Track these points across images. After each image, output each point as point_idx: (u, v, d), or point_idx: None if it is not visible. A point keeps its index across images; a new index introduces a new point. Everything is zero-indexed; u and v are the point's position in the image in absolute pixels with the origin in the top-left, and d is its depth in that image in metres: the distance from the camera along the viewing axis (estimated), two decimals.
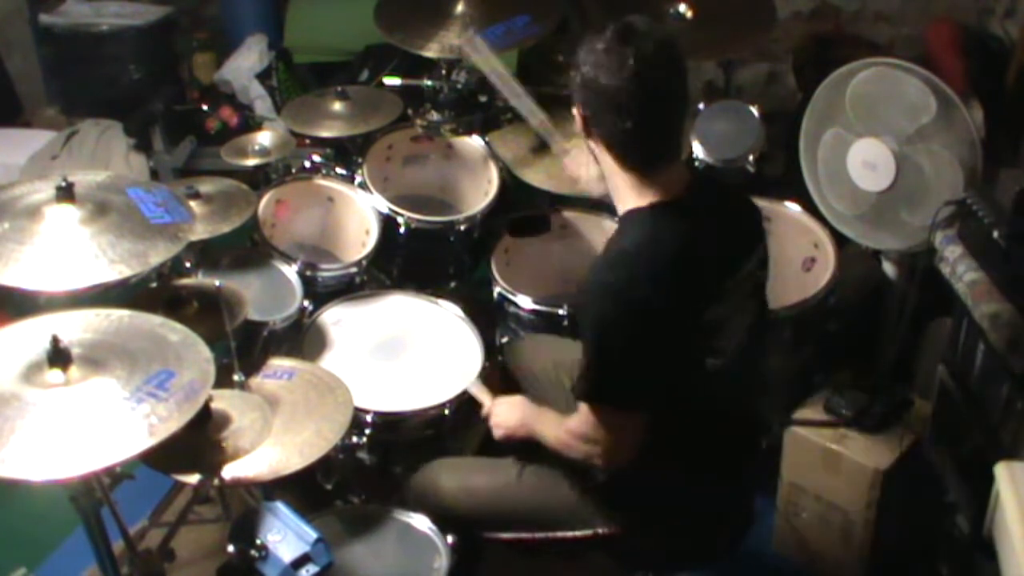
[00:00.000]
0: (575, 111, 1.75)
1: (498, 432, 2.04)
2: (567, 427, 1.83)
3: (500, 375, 2.43)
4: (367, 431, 2.24)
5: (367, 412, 2.22)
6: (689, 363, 1.76)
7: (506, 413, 2.04)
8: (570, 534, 1.95)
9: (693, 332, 1.74)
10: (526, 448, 1.99)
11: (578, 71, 1.70)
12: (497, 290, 2.61)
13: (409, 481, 2.12)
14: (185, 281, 2.30)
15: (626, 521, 1.91)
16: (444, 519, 1.99)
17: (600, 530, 1.92)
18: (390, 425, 2.27)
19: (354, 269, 2.68)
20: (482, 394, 2.18)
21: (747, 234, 1.85)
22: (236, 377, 1.98)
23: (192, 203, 2.29)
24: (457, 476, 2.06)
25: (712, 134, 2.89)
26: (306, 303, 2.49)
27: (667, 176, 1.74)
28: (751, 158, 2.84)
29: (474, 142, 2.99)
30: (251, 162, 2.75)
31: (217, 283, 2.09)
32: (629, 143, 1.71)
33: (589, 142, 1.78)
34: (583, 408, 1.77)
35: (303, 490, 2.23)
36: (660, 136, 1.72)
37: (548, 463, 1.97)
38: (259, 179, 2.83)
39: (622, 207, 1.79)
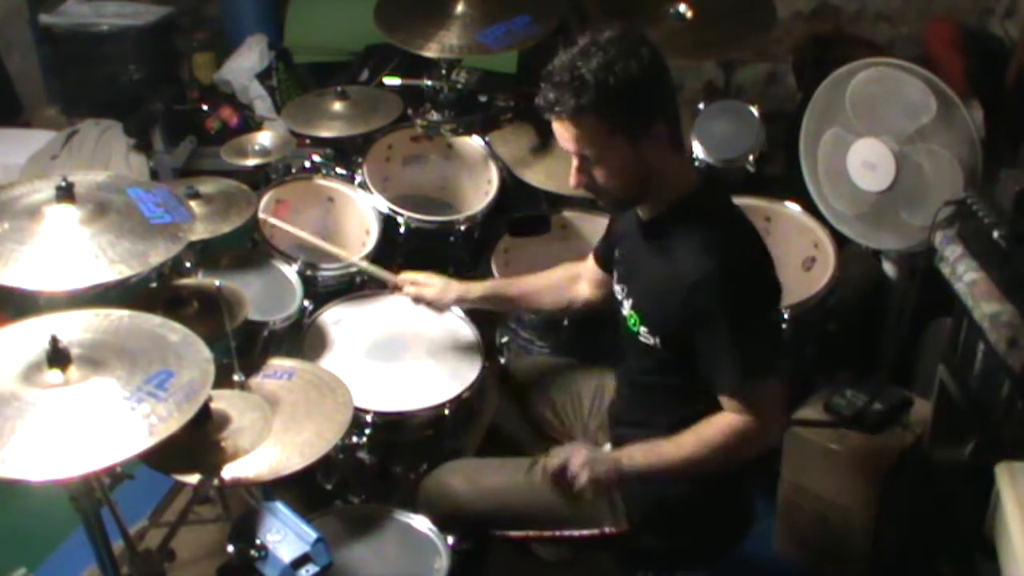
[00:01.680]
0: (598, 132, 1.72)
1: (590, 488, 1.81)
2: (723, 431, 1.76)
3: (499, 377, 2.43)
4: (367, 431, 2.24)
5: (367, 412, 2.22)
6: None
7: (590, 461, 1.81)
8: (577, 532, 1.95)
9: (777, 295, 1.87)
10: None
11: (604, 79, 1.67)
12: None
13: (419, 485, 2.11)
14: (185, 281, 2.30)
15: (632, 520, 1.91)
16: (457, 521, 1.99)
17: (607, 529, 1.92)
18: (390, 425, 2.26)
19: (354, 269, 2.68)
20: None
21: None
22: (236, 377, 1.99)
23: (192, 203, 2.29)
24: (469, 477, 2.05)
25: (712, 134, 2.89)
26: (306, 303, 2.49)
27: (691, 163, 1.87)
28: (751, 158, 2.84)
29: (474, 142, 2.99)
30: (251, 162, 2.75)
31: (217, 283, 2.09)
32: (674, 122, 1.78)
33: (622, 158, 1.75)
34: (738, 401, 1.75)
35: (303, 490, 2.24)
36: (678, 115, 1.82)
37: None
38: (259, 179, 2.83)
39: (662, 203, 1.82)
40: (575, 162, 1.79)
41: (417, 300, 2.35)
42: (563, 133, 1.75)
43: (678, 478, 1.83)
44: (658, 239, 1.83)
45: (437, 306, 2.36)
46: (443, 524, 1.98)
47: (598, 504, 1.91)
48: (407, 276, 2.36)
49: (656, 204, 1.83)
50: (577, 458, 1.80)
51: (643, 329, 1.86)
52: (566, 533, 1.96)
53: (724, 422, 1.77)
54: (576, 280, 2.22)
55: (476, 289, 2.30)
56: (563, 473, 1.80)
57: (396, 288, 2.39)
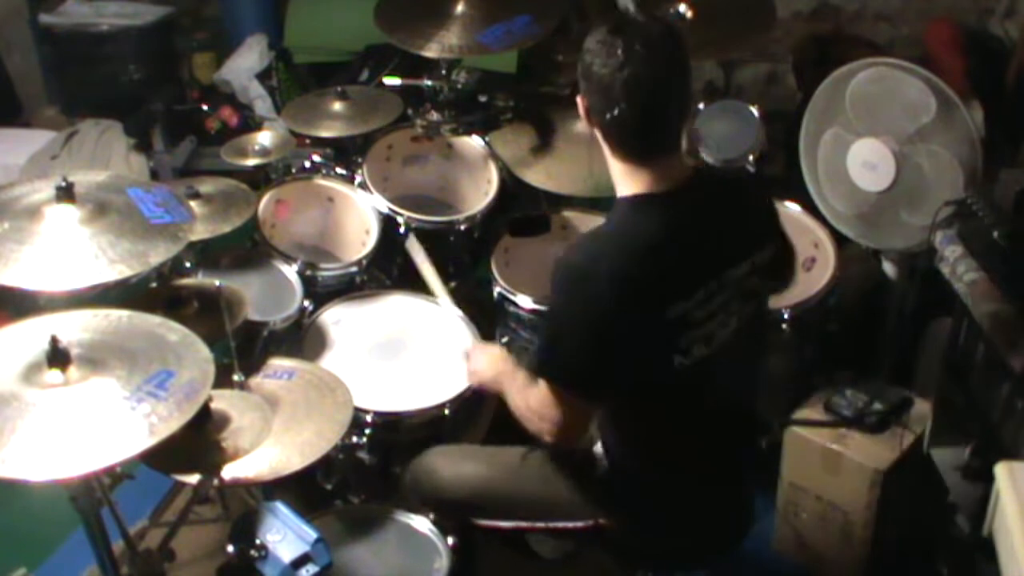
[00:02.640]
0: (579, 100, 1.76)
1: (471, 379, 2.08)
2: (528, 397, 1.82)
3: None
4: (367, 431, 2.24)
5: (367, 412, 2.22)
6: (653, 359, 1.74)
7: (484, 364, 2.03)
8: (569, 524, 1.94)
9: (654, 327, 1.72)
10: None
11: (581, 61, 1.72)
12: (497, 290, 2.61)
13: (407, 467, 2.10)
14: (185, 281, 2.30)
15: (625, 514, 1.91)
16: (440, 505, 1.99)
17: (598, 521, 1.92)
18: (390, 425, 2.27)
19: (354, 269, 2.68)
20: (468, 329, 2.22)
21: (746, 238, 1.83)
22: (236, 377, 1.99)
23: (192, 203, 2.29)
24: (455, 461, 2.05)
25: (712, 134, 2.89)
26: (306, 303, 2.49)
27: (661, 168, 1.74)
28: (751, 158, 2.84)
29: (474, 142, 2.99)
30: (251, 162, 2.75)
31: (217, 283, 2.09)
32: (619, 131, 1.72)
33: (593, 132, 1.78)
34: (541, 383, 1.78)
35: (303, 490, 2.23)
36: (651, 127, 1.72)
37: (549, 451, 1.97)
38: (259, 179, 2.83)
39: (620, 192, 1.80)
40: None
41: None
42: None
43: (651, 458, 1.87)
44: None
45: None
46: (427, 506, 2.00)
47: (588, 491, 1.92)
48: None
49: (618, 191, 1.81)
50: (474, 363, 2.05)
51: None
52: (556, 525, 1.95)
53: (532, 394, 1.80)
54: None
55: None
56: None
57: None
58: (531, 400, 1.80)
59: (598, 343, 1.70)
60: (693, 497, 1.90)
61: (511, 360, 2.01)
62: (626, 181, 1.76)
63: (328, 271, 2.64)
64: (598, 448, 1.94)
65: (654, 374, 1.76)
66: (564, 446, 1.85)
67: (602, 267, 1.68)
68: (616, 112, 1.68)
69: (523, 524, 2.00)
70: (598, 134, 1.77)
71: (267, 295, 2.48)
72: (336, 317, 2.53)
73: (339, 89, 2.99)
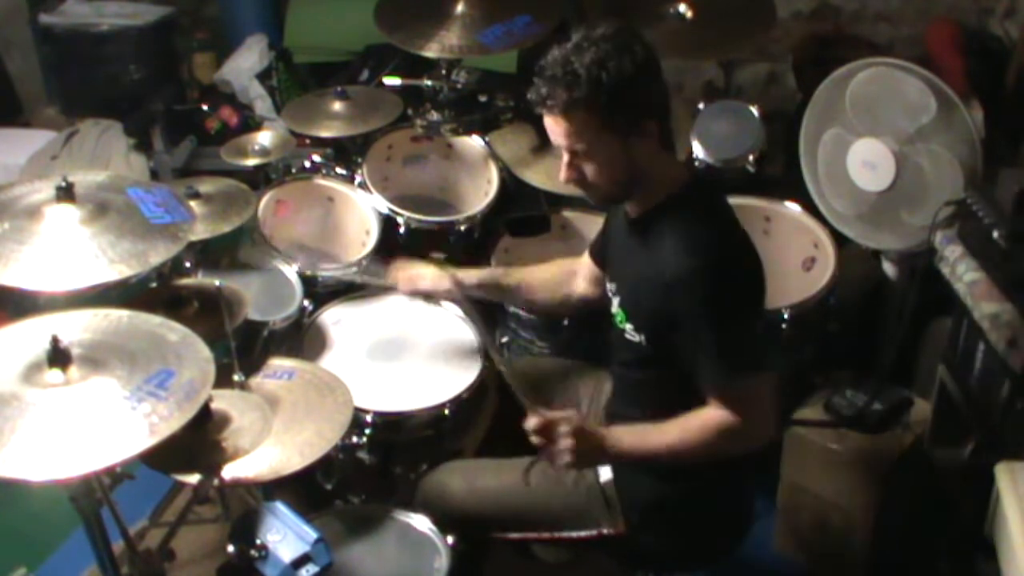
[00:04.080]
0: (587, 127, 1.72)
1: (569, 459, 1.78)
2: (706, 424, 1.75)
3: (499, 377, 2.42)
4: (367, 431, 2.24)
5: (367, 412, 2.22)
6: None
7: (584, 434, 1.79)
8: (575, 534, 1.95)
9: (763, 294, 1.86)
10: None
11: (596, 75, 1.67)
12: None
13: (418, 485, 2.11)
14: (185, 281, 2.30)
15: (629, 521, 1.91)
16: (453, 521, 1.99)
17: (605, 530, 1.92)
18: (390, 425, 2.26)
19: (354, 269, 2.68)
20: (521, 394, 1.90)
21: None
22: (236, 377, 1.99)
23: (192, 203, 2.29)
24: (465, 479, 2.06)
25: (712, 134, 2.89)
26: (306, 303, 2.49)
27: (679, 163, 1.90)
28: (751, 158, 2.84)
29: (474, 142, 2.99)
30: (251, 162, 2.75)
31: (217, 283, 2.09)
32: (664, 117, 1.79)
33: (611, 154, 1.75)
34: (722, 396, 1.74)
35: (303, 490, 2.23)
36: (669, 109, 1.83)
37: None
38: (259, 179, 2.83)
39: (649, 201, 1.82)
40: (565, 157, 1.80)
41: (413, 294, 2.32)
42: (554, 128, 1.76)
43: (661, 465, 1.83)
44: (643, 236, 1.83)
45: (434, 296, 2.33)
46: (440, 525, 1.98)
47: (593, 501, 1.92)
48: (399, 271, 2.33)
49: (644, 201, 1.83)
50: (567, 427, 1.77)
51: (628, 326, 1.86)
52: (564, 535, 1.96)
53: (708, 416, 1.76)
54: (573, 276, 2.22)
55: (471, 276, 2.27)
56: (551, 440, 1.78)
57: (392, 287, 2.37)
58: (716, 421, 1.74)
59: (758, 324, 1.84)
60: (697, 499, 1.90)
61: (586, 421, 1.88)
62: (670, 175, 1.83)
63: (328, 271, 2.64)
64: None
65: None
66: (768, 439, 1.81)
67: (736, 256, 1.79)
68: (659, 104, 1.77)
69: (531, 535, 2.00)
70: (633, 142, 1.74)
71: (267, 295, 2.48)
72: (336, 317, 2.53)
73: (339, 89, 2.99)
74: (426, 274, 2.28)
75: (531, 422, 1.80)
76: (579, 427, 1.78)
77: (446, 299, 2.37)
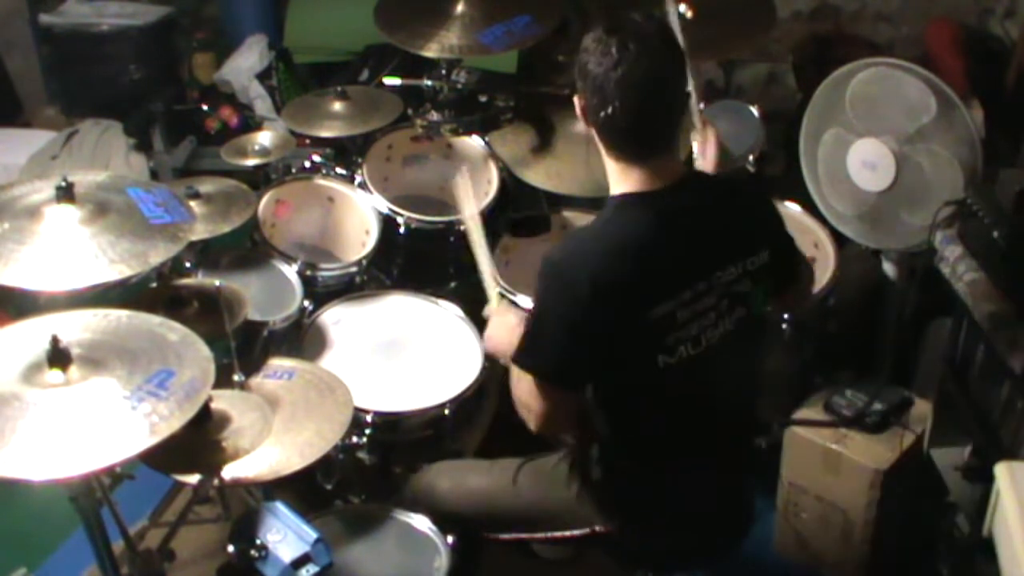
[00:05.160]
0: (576, 99, 1.77)
1: (487, 344, 2.09)
2: (517, 385, 1.82)
3: (499, 376, 2.42)
4: (367, 431, 2.24)
5: (367, 412, 2.22)
6: (635, 357, 1.75)
7: (500, 334, 2.00)
8: (568, 533, 1.95)
9: (635, 326, 1.72)
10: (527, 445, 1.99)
11: (578, 60, 1.73)
12: (497, 290, 2.60)
13: (408, 484, 2.11)
14: (185, 281, 2.30)
15: (622, 519, 1.91)
16: (442, 521, 1.99)
17: (597, 528, 1.92)
18: (390, 425, 2.27)
19: (354, 269, 2.68)
20: (491, 285, 2.19)
21: (739, 242, 1.81)
22: (236, 377, 1.99)
23: (192, 203, 2.29)
24: (454, 478, 2.06)
25: None
26: (306, 303, 2.49)
27: (653, 168, 1.75)
28: (751, 158, 2.83)
29: (474, 142, 2.99)
30: (251, 162, 2.74)
31: (217, 283, 2.09)
32: (612, 130, 1.73)
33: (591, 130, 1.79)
34: (522, 372, 1.79)
35: (303, 490, 2.24)
36: (644, 126, 1.72)
37: (545, 460, 1.98)
38: (259, 179, 2.83)
39: (614, 189, 1.81)
40: None
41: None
42: None
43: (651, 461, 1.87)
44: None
45: None
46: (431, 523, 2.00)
47: (584, 499, 1.92)
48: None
49: (611, 188, 1.83)
50: (490, 328, 2.04)
51: None
52: (556, 534, 1.96)
53: (521, 382, 1.81)
54: None
55: None
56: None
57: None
58: (522, 387, 1.81)
59: (575, 339, 1.71)
60: (688, 497, 1.90)
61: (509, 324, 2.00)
62: (619, 180, 1.78)
63: (328, 271, 2.64)
64: (594, 452, 1.94)
65: (637, 373, 1.77)
66: (548, 437, 1.87)
67: (583, 266, 1.69)
68: (610, 111, 1.69)
69: (523, 535, 2.01)
70: (593, 133, 1.77)
71: (267, 295, 2.48)
72: (336, 317, 2.53)
73: (339, 89, 2.99)
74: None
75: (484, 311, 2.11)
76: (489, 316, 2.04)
77: None
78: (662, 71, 1.70)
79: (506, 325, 1.99)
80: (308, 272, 2.58)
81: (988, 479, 1.79)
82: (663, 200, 1.74)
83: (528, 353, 1.78)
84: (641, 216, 1.74)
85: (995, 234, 2.05)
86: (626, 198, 1.76)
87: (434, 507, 2.02)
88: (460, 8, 2.86)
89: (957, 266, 2.11)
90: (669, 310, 1.72)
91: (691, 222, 1.76)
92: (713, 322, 1.77)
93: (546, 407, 1.77)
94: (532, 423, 1.81)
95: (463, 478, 2.06)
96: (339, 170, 2.92)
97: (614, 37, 1.67)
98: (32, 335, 1.56)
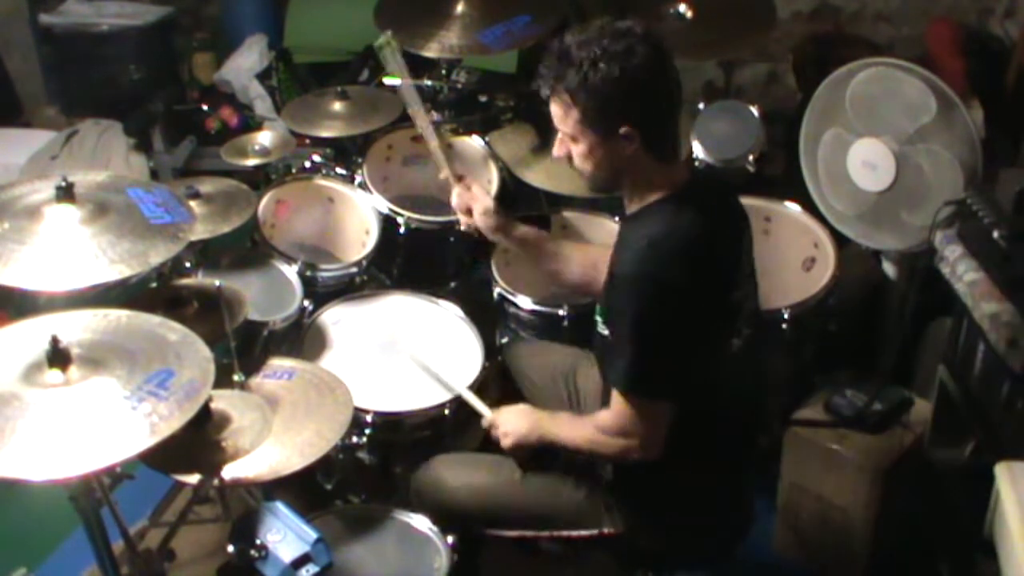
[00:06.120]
0: (570, 116, 1.76)
1: (507, 441, 1.98)
2: (598, 424, 1.82)
3: (499, 376, 2.42)
4: (367, 431, 2.24)
5: (367, 412, 2.22)
6: (715, 348, 1.80)
7: (515, 421, 1.99)
8: (574, 533, 1.95)
9: (721, 315, 1.80)
10: (533, 457, 1.99)
11: (586, 71, 1.69)
12: (497, 290, 2.61)
13: (411, 478, 2.11)
14: (185, 281, 2.30)
15: (629, 521, 1.91)
16: (446, 516, 1.99)
17: (604, 530, 1.92)
18: (390, 425, 2.27)
19: (354, 269, 2.68)
20: (478, 403, 2.15)
21: (739, 223, 1.91)
22: (236, 377, 1.99)
23: (192, 203, 2.29)
24: (460, 472, 2.06)
25: (712, 134, 2.89)
26: (306, 303, 2.49)
27: (679, 170, 1.83)
28: (751, 158, 2.84)
29: (474, 142, 2.99)
30: (251, 162, 2.75)
31: (217, 283, 2.09)
32: (659, 131, 1.77)
33: (591, 146, 1.77)
34: (618, 402, 1.77)
35: (303, 490, 2.23)
36: (674, 121, 1.80)
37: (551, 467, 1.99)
38: (259, 179, 2.83)
39: (638, 202, 1.83)
40: (559, 134, 1.84)
41: (461, 212, 2.24)
42: (551, 106, 1.81)
43: (657, 466, 1.84)
44: (627, 233, 1.85)
45: (474, 226, 2.23)
46: (435, 519, 1.99)
47: (593, 501, 1.93)
48: (464, 189, 2.24)
49: (634, 200, 1.85)
50: (503, 426, 1.98)
51: (599, 319, 1.89)
52: (562, 534, 1.96)
53: (604, 419, 1.81)
54: (600, 264, 2.21)
55: (520, 229, 2.21)
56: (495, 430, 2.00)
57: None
58: (608, 424, 1.79)
59: (684, 342, 1.74)
60: (698, 498, 1.90)
61: (535, 408, 2.02)
62: (651, 185, 1.80)
63: (328, 271, 2.64)
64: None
65: (713, 365, 1.81)
66: (651, 458, 1.81)
67: (674, 265, 1.72)
68: (647, 115, 1.73)
69: (528, 533, 2.00)
70: (613, 142, 1.75)
71: (267, 295, 2.48)
72: (336, 317, 2.53)
73: (339, 89, 2.99)
74: (483, 203, 2.20)
75: (483, 422, 2.07)
76: (514, 428, 1.97)
77: (483, 231, 2.25)
78: (672, 65, 1.76)
79: (520, 412, 2.00)
80: (308, 272, 2.58)
81: (988, 479, 1.79)
82: (700, 196, 1.82)
83: (646, 377, 1.75)
84: (693, 211, 1.78)
85: (995, 234, 2.05)
86: (670, 199, 1.79)
87: (439, 502, 2.02)
88: (460, 8, 2.86)
89: (957, 266, 2.11)
90: (739, 297, 1.82)
91: (716, 213, 1.85)
92: (749, 304, 1.87)
93: (654, 427, 1.77)
94: (639, 451, 1.79)
95: (470, 474, 2.06)
96: (339, 170, 2.92)
97: (632, 38, 1.69)
98: (32, 335, 1.55)
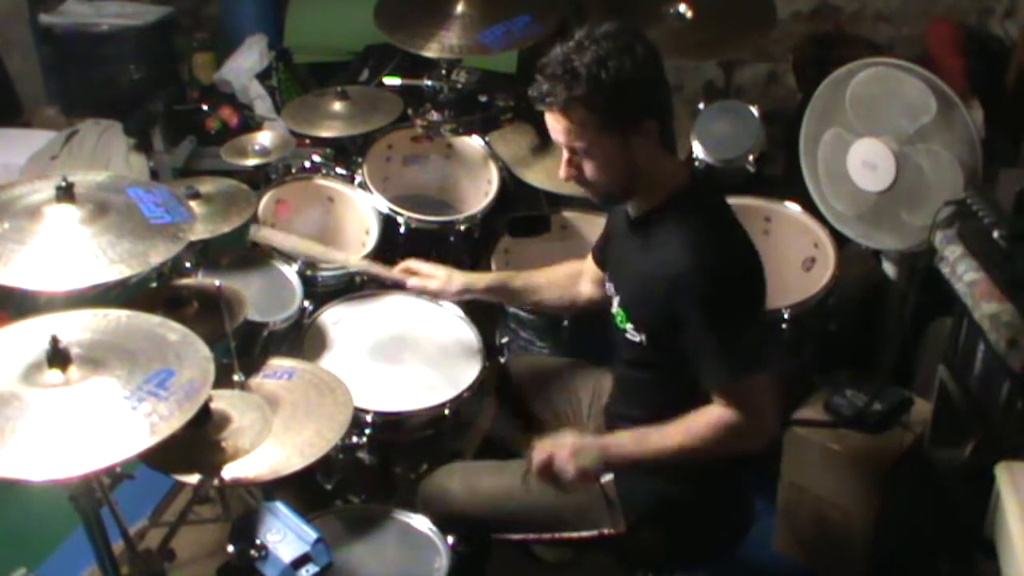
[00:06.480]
0: (588, 126, 1.74)
1: (576, 481, 1.81)
2: (709, 424, 1.76)
3: (499, 379, 2.42)
4: (367, 431, 2.24)
5: (367, 412, 2.22)
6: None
7: (577, 452, 1.80)
8: (576, 535, 1.95)
9: (763, 297, 1.86)
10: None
11: (595, 73, 1.69)
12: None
13: (419, 488, 2.11)
14: (185, 281, 2.30)
15: (630, 521, 1.91)
16: (454, 522, 1.99)
17: (606, 530, 1.92)
18: (390, 425, 2.27)
19: (354, 269, 2.68)
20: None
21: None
22: (236, 377, 1.98)
23: (192, 203, 2.29)
24: (465, 480, 2.06)
25: (712, 134, 2.89)
26: (306, 303, 2.49)
27: (679, 164, 1.89)
28: (751, 158, 2.84)
29: (474, 142, 2.99)
30: (251, 162, 2.75)
31: (217, 283, 2.09)
32: (666, 118, 1.79)
33: (611, 153, 1.77)
34: (724, 397, 1.75)
35: (303, 490, 2.23)
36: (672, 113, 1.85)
37: None
38: (259, 179, 2.83)
39: (651, 202, 1.83)
40: (565, 154, 1.81)
41: (421, 292, 2.33)
42: (555, 125, 1.77)
43: (663, 466, 1.83)
44: (644, 236, 1.84)
45: (442, 297, 2.36)
46: (442, 526, 1.99)
47: (594, 502, 1.91)
48: (408, 265, 2.33)
49: (644, 201, 1.84)
50: (563, 450, 1.80)
51: (629, 326, 1.87)
52: (564, 535, 1.96)
53: (713, 415, 1.77)
54: (578, 278, 2.22)
55: (480, 281, 2.30)
56: (550, 466, 1.80)
57: (398, 284, 2.37)
58: (720, 420, 1.75)
59: (758, 320, 1.83)
60: (697, 500, 1.90)
61: (590, 435, 1.92)
62: (670, 177, 1.83)
63: (328, 271, 2.64)
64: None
65: None
66: (772, 438, 1.84)
67: (731, 248, 1.79)
68: (661, 105, 1.78)
69: (532, 536, 2.01)
70: (633, 142, 1.75)
71: (267, 295, 2.48)
72: (336, 317, 2.53)
73: (339, 89, 2.99)
74: (437, 275, 2.28)
75: (535, 459, 1.82)
76: (575, 446, 1.81)
77: (452, 300, 2.39)
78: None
79: (582, 445, 1.84)
80: (308, 272, 2.58)
81: (988, 479, 1.79)
82: (704, 195, 1.88)
83: (743, 358, 1.74)
84: (708, 204, 1.86)
85: (995, 234, 2.05)
86: (680, 195, 1.82)
87: (446, 509, 2.02)
88: (460, 8, 2.86)
89: (957, 266, 2.11)
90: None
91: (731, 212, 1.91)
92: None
93: (766, 405, 1.77)
94: (759, 435, 1.79)
95: (475, 480, 2.05)
96: (339, 170, 2.92)
97: (625, 35, 1.72)
98: (32, 335, 1.55)
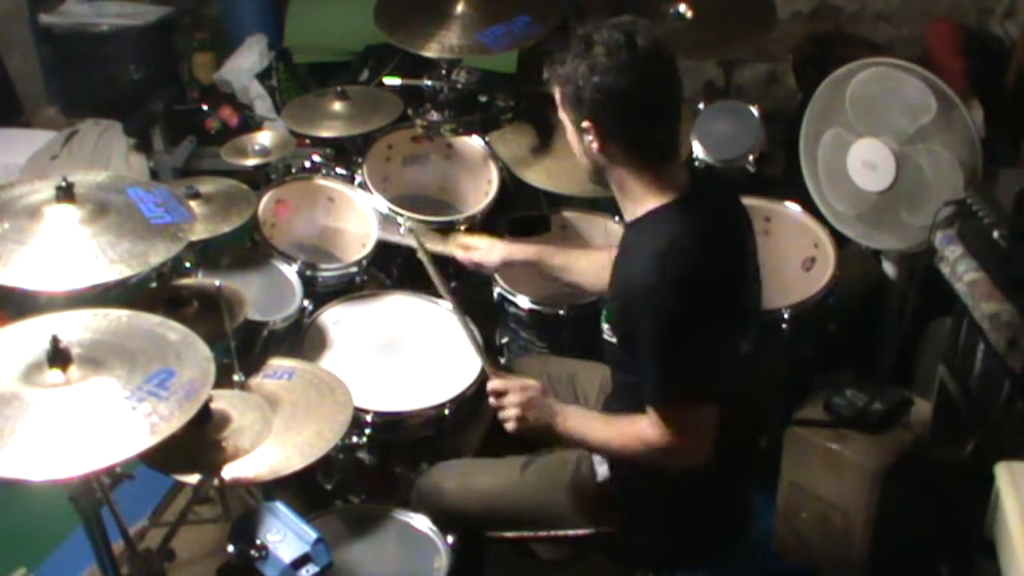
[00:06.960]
0: (575, 125, 1.77)
1: (516, 421, 1.88)
2: (637, 435, 1.77)
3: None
4: (367, 431, 2.24)
5: (367, 412, 2.22)
6: (729, 350, 1.80)
7: (535, 404, 1.89)
8: (572, 532, 1.95)
9: (732, 316, 1.80)
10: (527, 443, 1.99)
11: (578, 83, 1.71)
12: (497, 290, 2.61)
13: (413, 484, 2.11)
14: (185, 281, 2.30)
15: (626, 520, 1.91)
16: (448, 520, 1.99)
17: (602, 528, 1.92)
18: (390, 425, 2.27)
19: (354, 269, 2.68)
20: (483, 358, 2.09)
21: (743, 224, 1.92)
22: (236, 377, 1.99)
23: (192, 203, 2.29)
24: (459, 477, 2.06)
25: (712, 134, 2.89)
26: (306, 303, 2.49)
27: (677, 173, 1.81)
28: (751, 158, 2.84)
29: (474, 142, 2.99)
30: (251, 162, 2.74)
31: (217, 283, 2.09)
32: (650, 141, 1.76)
33: (594, 154, 1.78)
34: (656, 415, 1.74)
35: (303, 490, 2.23)
36: (672, 131, 1.79)
37: (551, 459, 1.99)
38: (259, 179, 2.83)
39: (640, 209, 1.81)
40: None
41: (466, 261, 2.38)
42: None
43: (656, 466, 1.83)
44: (630, 242, 1.84)
45: (484, 268, 2.39)
46: (437, 524, 1.99)
47: (590, 500, 1.92)
48: (461, 240, 2.40)
49: (629, 210, 1.84)
50: (521, 396, 1.88)
51: (606, 326, 1.88)
52: (560, 533, 1.96)
53: (641, 427, 1.77)
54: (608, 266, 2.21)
55: (521, 253, 2.32)
56: (501, 397, 1.89)
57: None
58: (648, 436, 1.76)
59: (712, 343, 1.73)
60: (697, 498, 1.90)
61: (557, 399, 1.96)
62: (652, 193, 1.79)
63: (328, 271, 2.64)
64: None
65: (727, 366, 1.80)
66: (699, 466, 1.78)
67: (693, 268, 1.71)
68: (648, 121, 1.73)
69: (527, 534, 2.01)
70: (614, 153, 1.76)
71: (267, 295, 2.48)
72: (336, 317, 2.53)
73: (339, 89, 2.99)
74: (481, 245, 2.35)
75: (491, 384, 1.93)
76: (530, 398, 1.88)
77: (492, 271, 2.43)
78: (677, 75, 1.75)
79: (539, 392, 1.91)
80: (308, 272, 2.58)
81: (988, 479, 1.79)
82: (702, 199, 1.81)
83: (681, 383, 1.73)
84: (699, 215, 1.78)
85: (995, 234, 2.05)
86: (676, 204, 1.78)
87: (441, 507, 2.02)
88: (460, 8, 2.86)
89: (957, 266, 2.11)
90: (747, 299, 1.82)
91: (721, 215, 1.85)
92: (755, 304, 1.87)
93: (700, 434, 1.74)
94: (683, 460, 1.76)
95: (470, 478, 2.06)
96: (339, 170, 2.92)
97: (633, 49, 1.69)
98: (32, 335, 1.56)
